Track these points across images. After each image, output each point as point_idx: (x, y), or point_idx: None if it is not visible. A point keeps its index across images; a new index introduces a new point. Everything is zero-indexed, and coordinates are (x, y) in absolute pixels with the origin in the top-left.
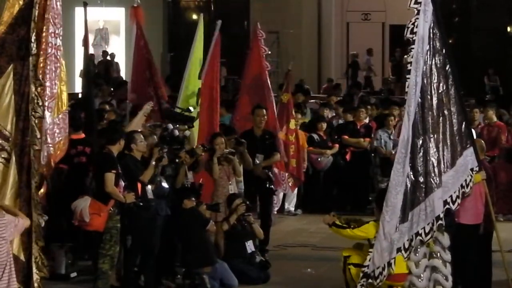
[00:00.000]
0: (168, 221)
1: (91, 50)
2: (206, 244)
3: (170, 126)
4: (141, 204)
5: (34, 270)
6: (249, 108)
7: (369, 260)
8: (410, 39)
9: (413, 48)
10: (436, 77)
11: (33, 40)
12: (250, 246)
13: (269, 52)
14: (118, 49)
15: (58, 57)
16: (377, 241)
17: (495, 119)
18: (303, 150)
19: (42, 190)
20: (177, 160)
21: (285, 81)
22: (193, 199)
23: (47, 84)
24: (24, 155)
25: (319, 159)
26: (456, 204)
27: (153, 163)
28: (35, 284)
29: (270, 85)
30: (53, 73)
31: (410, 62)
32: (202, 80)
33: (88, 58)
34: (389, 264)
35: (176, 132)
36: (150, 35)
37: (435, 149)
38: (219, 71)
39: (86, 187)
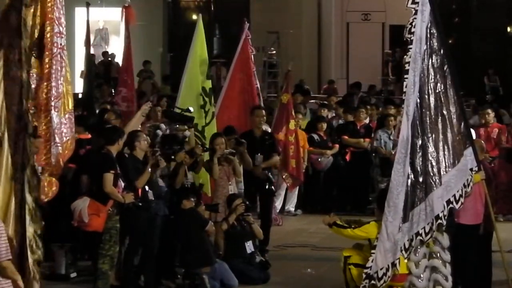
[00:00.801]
0: (167, 221)
1: (91, 50)
2: (205, 245)
3: (163, 126)
4: (140, 204)
5: (29, 253)
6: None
7: (372, 261)
8: (408, 39)
9: (411, 48)
10: (433, 77)
11: (28, 28)
12: (250, 246)
13: (254, 53)
14: (118, 49)
15: (63, 57)
16: (380, 241)
17: (492, 121)
18: (303, 150)
19: (54, 189)
20: (172, 157)
21: (285, 82)
22: (192, 199)
23: (53, 84)
24: (20, 139)
25: (319, 159)
26: (459, 203)
27: (149, 169)
28: (30, 268)
29: (258, 85)
30: (58, 72)
31: (408, 62)
32: (228, 82)
33: (90, 58)
34: (394, 264)
35: (159, 132)
36: (150, 35)
37: (433, 149)
38: (253, 75)
39: (83, 188)
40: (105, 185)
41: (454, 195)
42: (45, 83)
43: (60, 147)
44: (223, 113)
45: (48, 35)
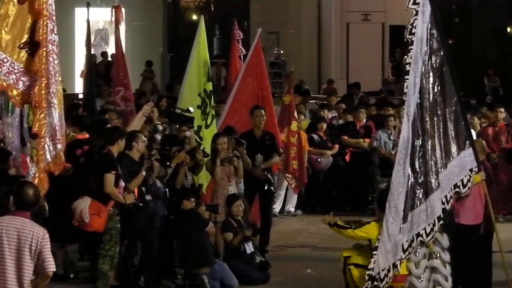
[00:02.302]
0: (167, 221)
1: (92, 51)
2: (205, 245)
3: (160, 127)
4: (141, 204)
5: None
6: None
7: (374, 263)
8: (409, 40)
9: (412, 49)
10: (432, 78)
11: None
12: (250, 246)
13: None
14: None
15: (57, 53)
16: (381, 242)
17: (502, 120)
18: (304, 151)
19: (45, 186)
20: (168, 163)
21: (286, 83)
22: (192, 200)
23: (52, 80)
24: None
25: (319, 160)
26: (449, 204)
27: (143, 173)
28: None
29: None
30: (55, 68)
31: (409, 63)
32: (237, 86)
33: (90, 58)
34: (395, 265)
35: (158, 137)
36: (150, 35)
37: (433, 150)
38: (266, 79)
39: (86, 188)
40: (106, 186)
41: (446, 196)
42: (42, 80)
43: (59, 145)
44: (232, 116)
45: (43, 32)
